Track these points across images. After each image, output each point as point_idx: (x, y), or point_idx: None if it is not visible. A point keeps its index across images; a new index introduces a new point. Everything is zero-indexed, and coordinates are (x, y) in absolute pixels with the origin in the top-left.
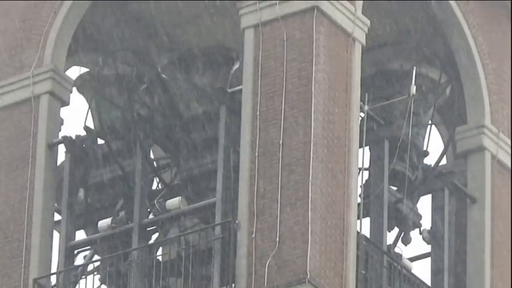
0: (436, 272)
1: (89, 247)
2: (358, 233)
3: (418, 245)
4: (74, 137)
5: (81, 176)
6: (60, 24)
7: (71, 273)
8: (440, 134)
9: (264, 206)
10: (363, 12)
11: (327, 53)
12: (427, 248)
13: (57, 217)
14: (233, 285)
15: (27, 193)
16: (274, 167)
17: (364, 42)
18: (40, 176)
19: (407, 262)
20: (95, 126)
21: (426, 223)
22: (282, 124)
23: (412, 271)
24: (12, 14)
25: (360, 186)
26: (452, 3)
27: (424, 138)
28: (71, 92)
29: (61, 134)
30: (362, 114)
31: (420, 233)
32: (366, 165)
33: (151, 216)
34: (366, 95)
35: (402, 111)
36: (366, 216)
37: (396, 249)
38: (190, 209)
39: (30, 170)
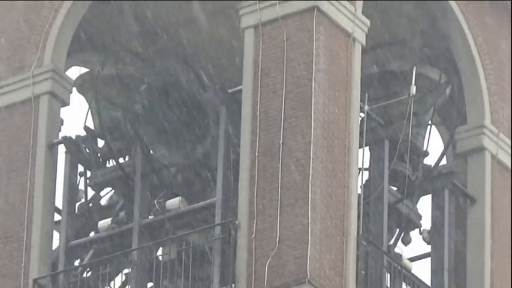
0: (436, 272)
1: (89, 247)
2: (358, 233)
3: (418, 245)
4: (74, 137)
5: (81, 176)
6: (60, 24)
7: (71, 273)
8: (440, 134)
9: (264, 206)
10: (363, 12)
11: (327, 53)
12: (427, 248)
13: (57, 217)
14: (233, 285)
15: (27, 193)
16: (274, 167)
17: (364, 42)
18: (40, 176)
19: (407, 262)
20: (95, 126)
21: (426, 223)
22: (282, 124)
23: (412, 271)
24: (13, 14)
25: (360, 186)
26: (452, 3)
27: (424, 138)
28: (71, 92)
29: (61, 134)
30: (362, 114)
31: (420, 233)
32: (366, 165)
33: (151, 216)
34: (366, 95)
35: (402, 111)
36: (366, 216)
37: (396, 249)
38: (190, 209)
39: (30, 170)
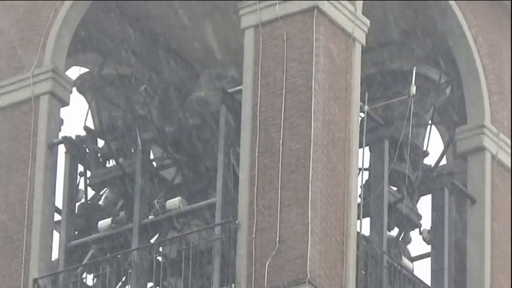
0: (436, 272)
1: (88, 247)
2: (358, 233)
3: (418, 245)
4: (74, 137)
5: (81, 176)
6: (60, 24)
7: (71, 273)
8: (440, 134)
9: (264, 206)
10: (363, 12)
11: (327, 53)
12: (427, 248)
13: (57, 217)
14: (233, 285)
15: (27, 193)
16: (274, 167)
17: (364, 42)
18: (40, 176)
19: (407, 262)
20: (95, 126)
21: (426, 223)
22: (282, 124)
23: (412, 271)
24: (12, 14)
25: (360, 186)
26: (452, 3)
27: (424, 138)
28: (71, 92)
29: (61, 134)
30: (362, 114)
31: (420, 233)
32: (366, 165)
33: (151, 216)
34: (366, 95)
35: (402, 111)
36: (366, 216)
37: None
38: (190, 209)
39: (30, 170)
